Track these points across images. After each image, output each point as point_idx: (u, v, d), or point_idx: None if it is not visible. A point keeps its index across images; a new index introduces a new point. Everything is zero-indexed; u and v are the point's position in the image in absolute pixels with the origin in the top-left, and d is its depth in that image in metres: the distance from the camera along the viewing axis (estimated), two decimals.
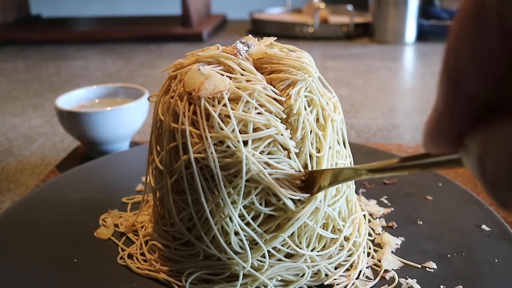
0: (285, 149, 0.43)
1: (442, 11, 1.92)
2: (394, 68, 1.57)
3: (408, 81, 1.45)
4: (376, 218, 0.57)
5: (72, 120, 0.77)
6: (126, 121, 0.78)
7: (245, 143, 0.41)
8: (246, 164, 0.40)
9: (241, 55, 0.46)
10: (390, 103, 1.21)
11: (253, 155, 0.41)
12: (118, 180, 0.68)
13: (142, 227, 0.54)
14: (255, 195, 0.42)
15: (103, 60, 1.77)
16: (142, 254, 0.51)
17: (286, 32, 2.02)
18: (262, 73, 0.46)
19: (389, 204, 0.60)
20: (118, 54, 1.84)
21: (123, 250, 0.52)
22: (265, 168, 0.41)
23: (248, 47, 0.47)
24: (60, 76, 1.55)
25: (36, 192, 0.63)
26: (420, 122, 1.05)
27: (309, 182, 0.44)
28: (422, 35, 1.92)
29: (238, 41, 0.48)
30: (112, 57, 1.80)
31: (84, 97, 0.86)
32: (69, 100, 0.83)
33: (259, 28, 2.10)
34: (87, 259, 0.51)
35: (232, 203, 0.42)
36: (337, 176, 0.41)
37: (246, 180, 0.41)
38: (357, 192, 0.63)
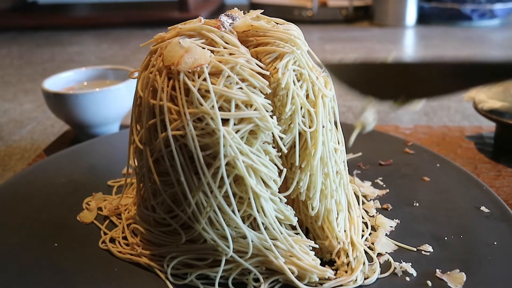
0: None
1: None
2: (394, 51, 1.53)
3: None
4: (370, 200, 0.54)
5: (59, 102, 0.75)
6: (115, 103, 0.76)
7: (227, 120, 0.39)
8: (223, 146, 0.38)
9: (225, 28, 0.43)
10: None
11: (232, 137, 0.38)
12: (105, 163, 0.65)
13: (125, 210, 0.52)
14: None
15: (98, 45, 1.74)
16: (125, 238, 0.49)
17: (284, 16, 1.97)
18: (248, 47, 0.44)
19: (384, 185, 0.58)
20: (114, 39, 1.81)
21: (105, 234, 0.50)
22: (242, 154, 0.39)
23: (233, 20, 0.45)
24: (54, 61, 1.52)
25: (20, 175, 0.61)
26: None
27: None
28: (423, 18, 1.88)
29: (223, 14, 0.46)
30: (108, 42, 1.77)
31: (72, 79, 0.83)
32: (57, 83, 0.80)
33: None
34: (68, 243, 0.49)
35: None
36: None
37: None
38: (351, 173, 0.60)
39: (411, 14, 1.83)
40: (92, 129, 0.78)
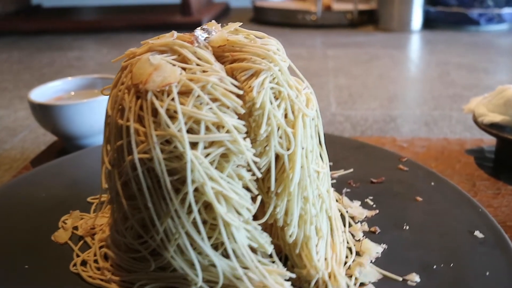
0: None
1: None
2: (398, 57, 1.50)
3: (411, 69, 1.39)
4: (358, 222, 0.52)
5: (44, 114, 0.73)
6: (102, 113, 0.74)
7: (196, 143, 0.37)
8: (192, 171, 0.35)
9: (198, 43, 0.41)
10: (390, 92, 1.15)
11: (201, 162, 0.36)
12: (88, 177, 0.63)
13: (100, 230, 0.50)
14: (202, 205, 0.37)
15: (98, 50, 1.73)
16: (96, 261, 0.46)
17: (288, 20, 1.96)
18: (223, 63, 0.41)
19: (374, 205, 0.55)
20: (114, 44, 1.80)
21: (78, 256, 0.48)
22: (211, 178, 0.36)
23: (209, 34, 0.42)
24: (52, 67, 1.51)
25: (1, 189, 0.59)
26: (420, 114, 0.99)
27: None
28: (429, 22, 1.84)
29: (198, 28, 0.43)
30: (108, 47, 1.75)
31: (60, 89, 0.81)
32: (44, 93, 0.79)
33: (261, 16, 2.04)
34: (39, 265, 0.47)
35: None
36: None
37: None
38: (340, 192, 0.57)
39: (416, 18, 1.80)
40: (79, 140, 0.76)
